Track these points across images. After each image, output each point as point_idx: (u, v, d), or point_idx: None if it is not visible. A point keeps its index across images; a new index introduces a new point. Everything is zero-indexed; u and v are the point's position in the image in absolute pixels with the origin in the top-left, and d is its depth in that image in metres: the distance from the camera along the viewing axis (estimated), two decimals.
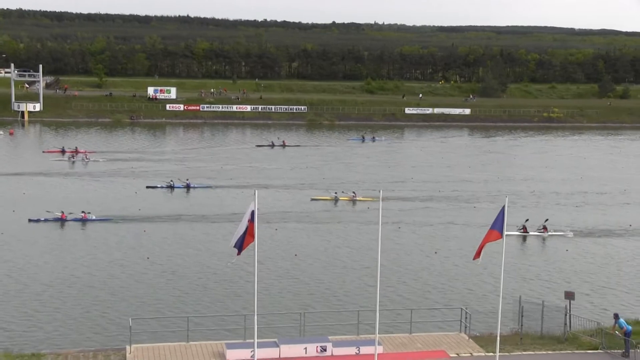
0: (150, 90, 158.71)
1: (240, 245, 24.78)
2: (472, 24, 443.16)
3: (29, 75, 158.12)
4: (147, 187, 78.24)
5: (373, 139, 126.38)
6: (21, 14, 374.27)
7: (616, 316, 32.20)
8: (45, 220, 61.99)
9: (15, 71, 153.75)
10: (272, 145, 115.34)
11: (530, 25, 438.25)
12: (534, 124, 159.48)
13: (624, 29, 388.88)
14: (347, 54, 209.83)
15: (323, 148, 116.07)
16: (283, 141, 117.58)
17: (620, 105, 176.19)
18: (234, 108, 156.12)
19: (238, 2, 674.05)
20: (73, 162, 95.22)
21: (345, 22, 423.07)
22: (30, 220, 61.93)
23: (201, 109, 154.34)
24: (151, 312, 40.66)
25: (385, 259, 46.89)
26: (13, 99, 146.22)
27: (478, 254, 26.91)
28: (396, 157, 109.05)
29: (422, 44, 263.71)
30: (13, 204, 68.18)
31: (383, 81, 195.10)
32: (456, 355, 30.87)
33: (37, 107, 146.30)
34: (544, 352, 31.54)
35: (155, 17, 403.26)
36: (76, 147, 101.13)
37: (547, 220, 62.55)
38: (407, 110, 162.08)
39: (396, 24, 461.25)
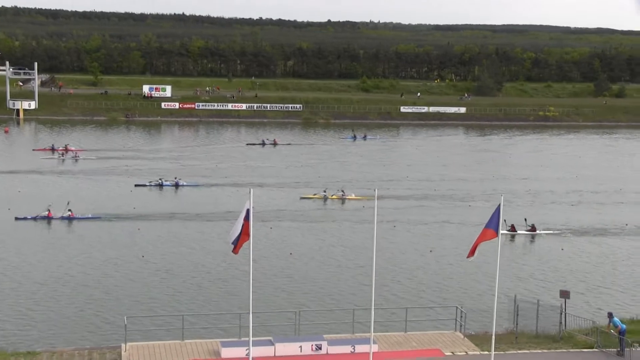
0: (146, 89, 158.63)
1: (236, 244, 24.75)
2: (468, 23, 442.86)
3: (24, 73, 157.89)
4: (136, 185, 78.14)
5: (364, 138, 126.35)
6: (16, 11, 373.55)
7: (610, 315, 32.24)
8: (33, 218, 61.86)
9: (11, 69, 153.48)
10: (263, 144, 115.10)
11: (526, 24, 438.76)
12: (530, 123, 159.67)
13: (620, 28, 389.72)
14: (343, 53, 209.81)
15: (315, 147, 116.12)
16: (274, 140, 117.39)
17: (616, 104, 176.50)
18: (230, 106, 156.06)
19: (233, 1, 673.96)
20: (63, 160, 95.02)
21: (341, 20, 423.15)
22: (17, 219, 61.80)
23: (196, 107, 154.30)
24: (146, 310, 40.62)
25: (380, 258, 46.79)
26: (8, 97, 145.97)
27: (472, 252, 26.91)
28: (391, 155, 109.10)
29: (418, 42, 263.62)
30: (8, 202, 68.01)
31: (378, 80, 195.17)
32: (451, 353, 30.87)
33: (33, 105, 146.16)
34: (539, 351, 31.56)
35: (151, 15, 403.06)
36: (66, 145, 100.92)
37: (525, 219, 62.06)
38: (403, 109, 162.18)
39: (392, 23, 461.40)
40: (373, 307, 26.95)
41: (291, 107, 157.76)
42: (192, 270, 49.05)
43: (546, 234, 61.13)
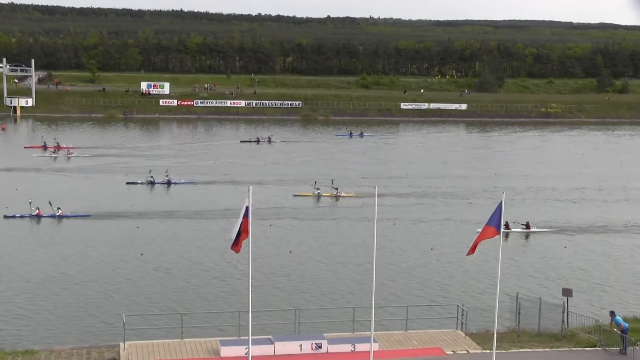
0: (144, 86, 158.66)
1: (236, 242, 24.74)
2: (469, 18, 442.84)
3: (21, 70, 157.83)
4: (128, 183, 78.12)
5: (361, 135, 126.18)
6: (13, 7, 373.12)
7: (612, 314, 32.27)
8: (21, 216, 61.81)
9: (7, 66, 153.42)
10: (258, 141, 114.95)
11: (528, 19, 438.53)
12: (531, 119, 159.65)
13: (623, 23, 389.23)
14: (342, 49, 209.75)
15: (310, 144, 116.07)
16: (269, 137, 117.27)
17: (619, 100, 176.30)
18: (228, 103, 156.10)
19: None
20: (55, 157, 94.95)
21: (340, 16, 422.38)
22: (5, 217, 61.78)
23: (195, 105, 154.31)
24: (145, 309, 40.68)
25: (380, 256, 46.81)
26: (5, 94, 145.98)
27: (472, 250, 26.94)
28: (391, 153, 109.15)
29: (418, 38, 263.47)
30: (6, 200, 68.03)
31: (378, 76, 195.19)
32: (452, 352, 30.92)
33: (30, 102, 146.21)
34: (542, 350, 31.60)
35: (148, 11, 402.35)
36: (58, 143, 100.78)
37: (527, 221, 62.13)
38: (403, 106, 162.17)
39: (392, 18, 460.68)
40: (373, 306, 26.97)
41: (290, 104, 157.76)
42: (191, 268, 49.11)
43: (540, 231, 61.03)
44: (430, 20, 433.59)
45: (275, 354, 30.13)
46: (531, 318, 33.48)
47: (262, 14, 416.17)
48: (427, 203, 72.03)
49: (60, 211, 62.22)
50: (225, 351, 29.77)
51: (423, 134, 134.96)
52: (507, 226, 60.39)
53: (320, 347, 30.56)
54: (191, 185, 78.34)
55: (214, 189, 77.08)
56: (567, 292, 34.42)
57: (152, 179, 77.93)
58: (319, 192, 73.58)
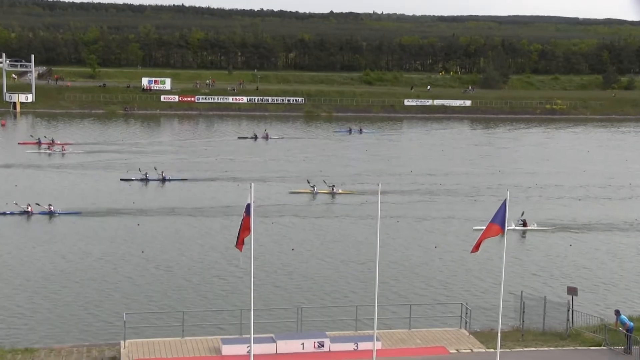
0: (145, 81, 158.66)
1: (242, 240, 24.76)
2: (473, 14, 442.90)
3: (21, 66, 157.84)
4: (121, 179, 78.10)
5: (360, 131, 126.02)
6: (12, 2, 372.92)
7: (617, 312, 32.26)
8: (12, 213, 61.79)
9: (7, 61, 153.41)
10: (255, 138, 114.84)
11: (533, 15, 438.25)
12: (536, 116, 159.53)
13: (629, 19, 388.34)
14: (345, 45, 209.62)
15: (308, 140, 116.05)
16: (266, 133, 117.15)
17: (625, 96, 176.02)
18: (230, 99, 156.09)
19: None
20: (49, 154, 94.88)
21: (344, 11, 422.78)
22: None
23: (196, 100, 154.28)
24: (146, 307, 40.73)
25: (383, 254, 46.89)
26: (5, 90, 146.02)
27: (476, 248, 26.94)
28: (393, 149, 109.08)
29: (422, 34, 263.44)
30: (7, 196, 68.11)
31: (382, 72, 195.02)
32: (456, 351, 30.93)
33: (30, 98, 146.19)
34: (546, 349, 31.60)
35: (150, 6, 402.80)
36: (52, 139, 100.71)
37: (523, 213, 61.94)
38: (407, 102, 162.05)
39: (395, 14, 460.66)
40: (377, 304, 26.98)
41: (293, 100, 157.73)
42: (192, 266, 49.14)
43: (538, 229, 60.87)
44: (434, 16, 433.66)
45: (278, 352, 30.14)
46: (535, 317, 33.47)
47: (264, 9, 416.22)
48: (431, 200, 72.01)
49: (51, 208, 62.09)
50: (227, 350, 29.79)
51: (427, 131, 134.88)
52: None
53: (322, 346, 30.58)
54: (185, 182, 78.14)
55: (215, 185, 77.08)
56: (572, 291, 34.40)
57: (147, 176, 77.85)
58: (315, 189, 73.42)
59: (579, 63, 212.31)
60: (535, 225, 61.43)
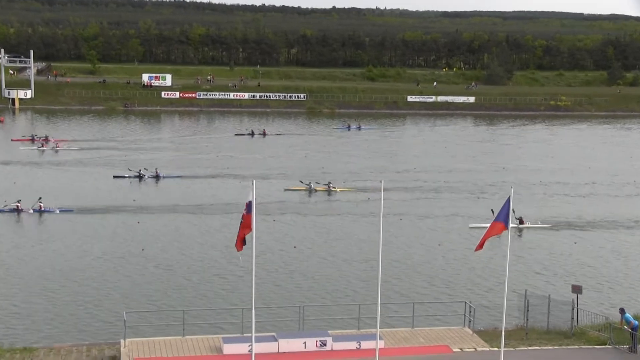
0: (145, 77, 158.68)
1: (242, 239, 24.71)
2: (477, 9, 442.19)
3: (20, 61, 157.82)
4: (115, 177, 78.03)
5: (359, 128, 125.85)
6: None
7: (622, 311, 32.22)
8: (1, 211, 61.74)
9: (6, 57, 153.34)
10: (252, 134, 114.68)
11: (537, 11, 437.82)
12: (541, 113, 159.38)
13: (634, 14, 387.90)
14: (348, 40, 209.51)
15: (307, 137, 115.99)
16: (263, 130, 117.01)
17: (630, 93, 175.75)
18: (231, 95, 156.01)
19: None
20: (43, 151, 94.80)
21: (346, 7, 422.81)
22: None
23: (197, 97, 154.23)
24: (146, 305, 40.73)
25: (386, 252, 46.91)
26: (3, 86, 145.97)
27: (480, 246, 26.93)
28: (395, 146, 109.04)
29: (425, 29, 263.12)
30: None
31: (384, 68, 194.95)
32: (460, 350, 30.90)
33: (28, 94, 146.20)
34: (550, 347, 31.57)
35: (150, 1, 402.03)
36: (46, 136, 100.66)
37: (513, 211, 61.32)
38: (410, 99, 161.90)
39: (398, 9, 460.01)
40: (379, 302, 26.97)
41: (295, 97, 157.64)
42: (193, 264, 49.16)
43: (542, 227, 60.73)
44: (437, 11, 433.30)
45: (279, 351, 30.12)
46: (540, 315, 33.45)
47: (266, 4, 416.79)
48: (434, 198, 71.97)
49: (41, 205, 61.97)
50: (228, 349, 29.77)
51: (430, 127, 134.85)
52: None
53: (325, 345, 30.56)
54: (180, 179, 78.12)
55: (214, 183, 77.08)
56: (576, 289, 34.37)
57: (140, 173, 77.75)
58: (311, 187, 73.28)
59: (583, 59, 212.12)
60: (540, 223, 61.37)
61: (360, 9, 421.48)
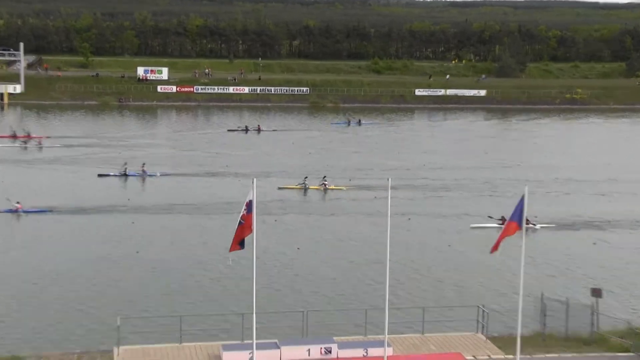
0: (140, 71, 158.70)
1: (240, 240, 24.44)
2: None
3: (9, 54, 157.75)
4: (99, 175, 77.75)
5: (359, 123, 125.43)
6: None
7: None
8: None
9: None
10: (246, 130, 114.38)
11: (550, 0, 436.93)
12: (556, 106, 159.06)
13: None
14: (352, 31, 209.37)
15: (305, 133, 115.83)
16: (258, 126, 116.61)
17: None
18: (231, 90, 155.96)
19: None
20: (25, 148, 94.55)
21: None
22: None
23: (195, 91, 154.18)
24: (141, 310, 40.42)
25: (394, 253, 46.47)
26: None
27: (495, 247, 26.59)
28: (404, 142, 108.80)
29: (433, 20, 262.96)
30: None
31: (391, 60, 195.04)
32: (473, 357, 30.63)
33: (18, 88, 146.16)
34: (569, 355, 31.27)
35: None
36: (29, 132, 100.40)
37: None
38: (418, 92, 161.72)
39: None
40: (387, 307, 26.73)
41: (297, 90, 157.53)
42: (191, 267, 48.87)
43: (541, 227, 60.13)
44: (445, 1, 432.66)
45: (282, 359, 29.88)
46: (558, 320, 33.10)
47: None
48: (444, 196, 71.69)
49: (18, 205, 61.52)
50: (228, 356, 29.52)
51: (439, 122, 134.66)
52: (503, 221, 59.52)
53: (329, 352, 30.28)
54: (170, 177, 78.01)
55: (211, 181, 76.95)
56: (596, 293, 33.98)
57: (126, 171, 77.44)
58: (305, 185, 73.00)
59: (600, 50, 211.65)
60: (554, 225, 60.86)
61: None
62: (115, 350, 30.24)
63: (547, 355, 31.23)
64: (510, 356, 29.58)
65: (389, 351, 28.76)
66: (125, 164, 78.31)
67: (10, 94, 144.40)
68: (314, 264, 50.18)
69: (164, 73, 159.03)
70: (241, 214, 24.76)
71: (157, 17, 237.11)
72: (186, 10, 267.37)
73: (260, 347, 28.17)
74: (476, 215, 63.38)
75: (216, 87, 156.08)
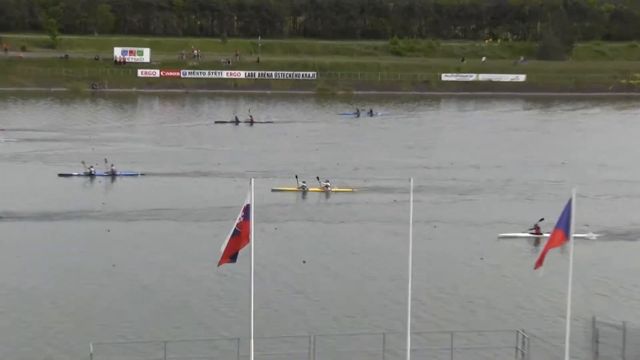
0: (117, 52, 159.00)
1: (233, 253, 24.44)
2: None
3: None
4: (60, 175, 78.11)
5: (370, 113, 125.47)
6: None
7: None
8: None
9: None
10: (237, 122, 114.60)
11: None
12: (608, 94, 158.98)
13: None
14: (367, 6, 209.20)
15: (307, 125, 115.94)
16: (250, 117, 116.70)
17: None
18: (224, 74, 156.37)
19: None
20: None
21: None
22: None
23: (182, 76, 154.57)
24: (117, 336, 40.45)
25: (416, 267, 46.44)
26: None
27: (540, 262, 26.53)
28: (427, 136, 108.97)
29: None
30: None
31: (413, 40, 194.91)
32: None
33: None
34: None
35: None
36: None
37: (542, 219, 60.55)
38: (444, 77, 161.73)
39: None
40: (409, 331, 26.69)
41: (302, 75, 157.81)
42: (177, 283, 48.89)
43: (597, 237, 59.96)
44: None
45: None
46: (612, 349, 32.99)
47: None
48: (475, 200, 71.66)
49: None
50: None
51: (470, 113, 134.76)
52: (537, 231, 59.19)
53: None
54: (141, 177, 78.47)
55: (204, 182, 77.13)
56: None
57: (92, 170, 77.54)
58: (304, 186, 73.01)
59: None
60: (606, 234, 60.60)
61: None
62: None
63: None
64: None
65: None
66: (90, 165, 78.43)
67: None
68: (321, 280, 50.13)
69: (145, 55, 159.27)
70: (237, 221, 24.68)
71: None
72: None
73: None
74: (513, 223, 63.34)
75: (207, 72, 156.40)
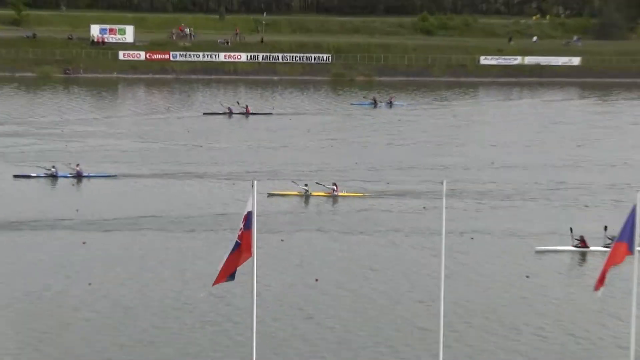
0: (95, 30, 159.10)
1: (232, 270, 24.43)
2: None
3: None
4: (16, 176, 78.57)
5: (389, 103, 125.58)
6: None
7: None
8: None
9: None
10: (230, 113, 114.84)
11: None
12: None
13: None
14: None
15: (315, 117, 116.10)
16: (246, 106, 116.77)
17: None
18: (222, 57, 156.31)
19: None
20: None
21: None
22: None
23: (172, 59, 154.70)
24: None
25: (449, 288, 46.48)
26: None
27: (601, 282, 26.38)
28: (462, 131, 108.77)
29: None
30: None
31: (446, 16, 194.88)
32: None
33: None
34: None
35: None
36: None
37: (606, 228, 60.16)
38: (483, 60, 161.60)
39: None
40: None
41: (314, 58, 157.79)
42: (164, 306, 48.92)
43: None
44: None
45: None
46: None
47: None
48: (520, 207, 71.57)
49: None
50: None
51: (514, 103, 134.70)
52: (583, 243, 58.94)
53: None
54: (108, 179, 78.71)
55: (196, 185, 77.27)
56: None
57: (55, 171, 77.76)
58: (306, 191, 73.04)
59: None
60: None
61: None
62: None
63: None
64: None
65: None
66: (53, 166, 78.73)
67: None
68: (335, 303, 50.11)
69: (128, 34, 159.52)
70: (238, 232, 24.57)
71: None
72: None
73: None
74: (563, 234, 63.19)
75: (201, 54, 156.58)
